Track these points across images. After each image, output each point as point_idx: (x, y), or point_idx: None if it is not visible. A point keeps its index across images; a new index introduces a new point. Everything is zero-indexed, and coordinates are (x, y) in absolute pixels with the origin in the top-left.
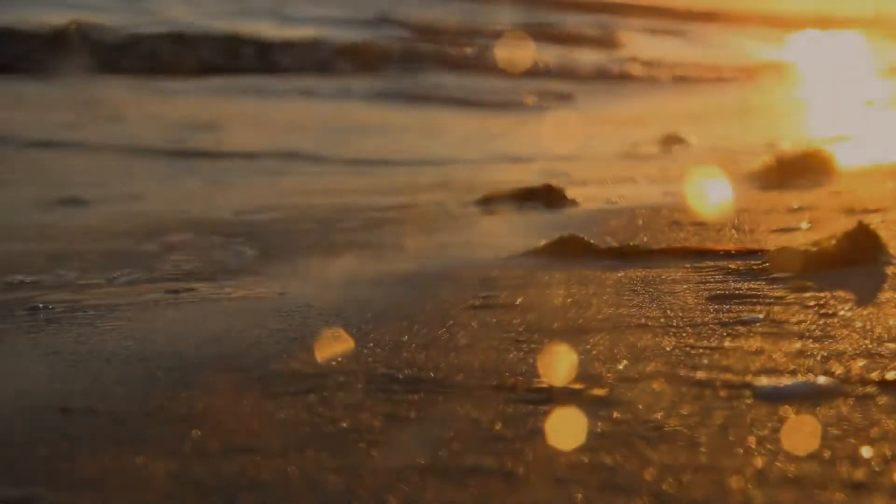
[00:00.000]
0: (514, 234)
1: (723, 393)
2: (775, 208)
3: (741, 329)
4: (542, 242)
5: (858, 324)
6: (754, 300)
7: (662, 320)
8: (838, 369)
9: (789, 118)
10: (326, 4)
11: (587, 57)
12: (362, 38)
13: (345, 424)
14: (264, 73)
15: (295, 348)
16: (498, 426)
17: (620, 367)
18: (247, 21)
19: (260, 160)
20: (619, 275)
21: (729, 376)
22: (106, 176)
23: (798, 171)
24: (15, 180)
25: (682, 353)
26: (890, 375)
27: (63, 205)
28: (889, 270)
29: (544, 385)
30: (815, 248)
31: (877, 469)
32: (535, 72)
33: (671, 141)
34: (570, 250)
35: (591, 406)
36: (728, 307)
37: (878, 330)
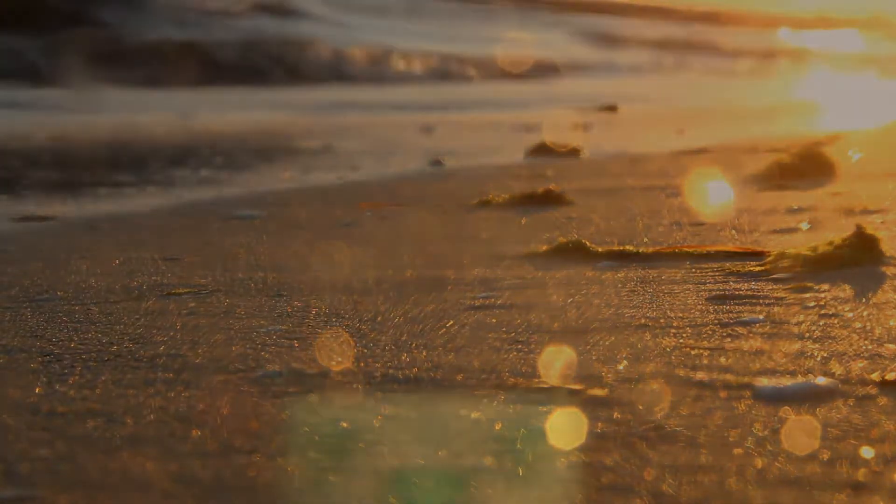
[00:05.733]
0: (514, 236)
1: (723, 393)
2: (775, 209)
3: (741, 330)
4: (543, 247)
5: (858, 325)
6: (754, 301)
7: (662, 321)
8: (838, 370)
9: (790, 118)
10: None
11: None
12: None
13: (345, 424)
14: None
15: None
16: (498, 426)
17: (620, 367)
18: None
19: None
20: (620, 275)
21: (729, 377)
22: None
23: (798, 171)
24: None
25: (681, 354)
26: (890, 376)
27: None
28: (889, 271)
29: (544, 385)
30: (812, 254)
31: (877, 469)
32: None
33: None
34: (570, 252)
35: (591, 406)
36: (728, 308)
37: (878, 331)
